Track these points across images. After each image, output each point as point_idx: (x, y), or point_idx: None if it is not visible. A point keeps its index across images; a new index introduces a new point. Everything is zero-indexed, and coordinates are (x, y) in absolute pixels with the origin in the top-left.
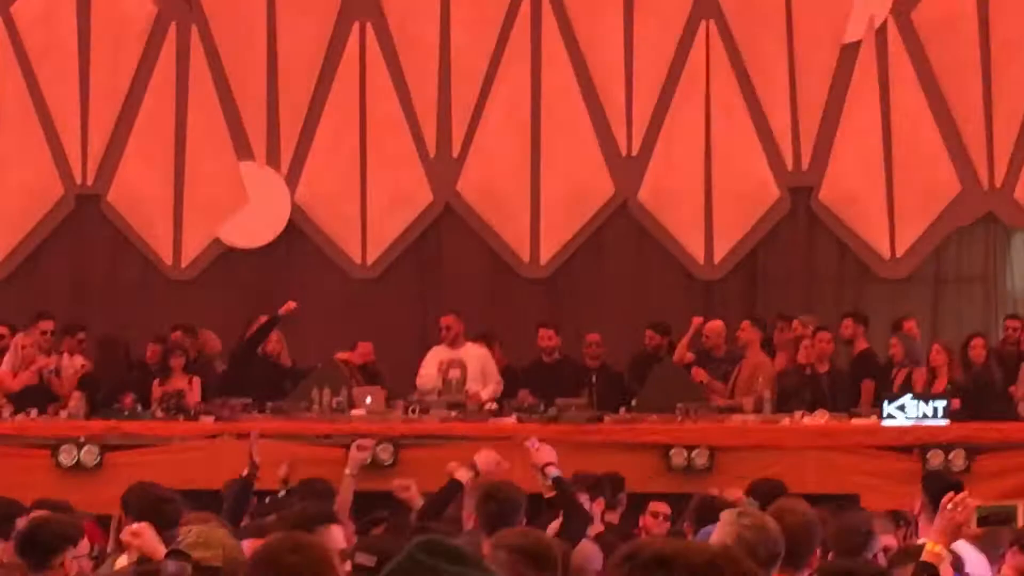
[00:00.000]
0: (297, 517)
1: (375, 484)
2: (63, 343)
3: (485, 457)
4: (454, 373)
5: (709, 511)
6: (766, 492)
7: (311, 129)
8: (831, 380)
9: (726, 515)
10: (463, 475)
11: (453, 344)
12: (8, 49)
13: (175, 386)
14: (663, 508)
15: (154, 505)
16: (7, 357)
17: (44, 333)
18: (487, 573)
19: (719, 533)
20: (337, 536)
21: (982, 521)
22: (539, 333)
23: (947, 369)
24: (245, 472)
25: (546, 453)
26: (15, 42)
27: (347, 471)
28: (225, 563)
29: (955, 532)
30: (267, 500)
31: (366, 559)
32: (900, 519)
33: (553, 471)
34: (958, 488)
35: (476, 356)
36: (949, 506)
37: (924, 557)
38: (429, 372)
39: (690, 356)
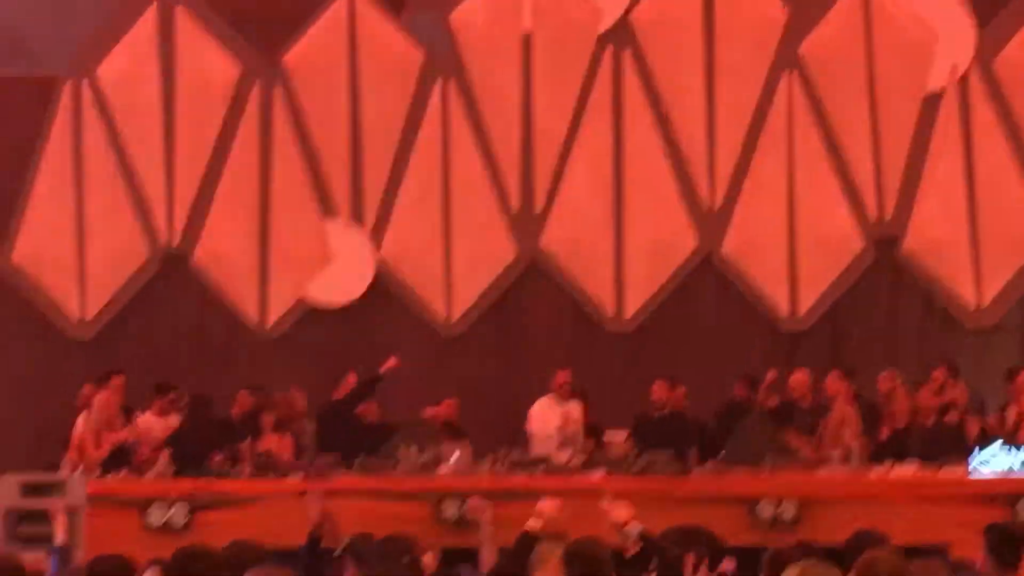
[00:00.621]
0: None
1: (464, 540)
2: (154, 403)
3: (548, 504)
4: (573, 427)
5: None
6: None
7: (395, 186)
8: (927, 432)
9: (790, 570)
10: (530, 525)
11: (566, 399)
12: (94, 110)
13: (266, 444)
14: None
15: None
16: (83, 417)
17: (117, 390)
18: None
19: None
20: None
21: None
22: (653, 387)
23: None
24: (309, 531)
25: (624, 510)
26: (100, 102)
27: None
28: None
29: None
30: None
31: None
32: None
33: (635, 526)
34: (1020, 539)
35: (578, 412)
36: None
37: None
38: (544, 425)
39: (774, 402)
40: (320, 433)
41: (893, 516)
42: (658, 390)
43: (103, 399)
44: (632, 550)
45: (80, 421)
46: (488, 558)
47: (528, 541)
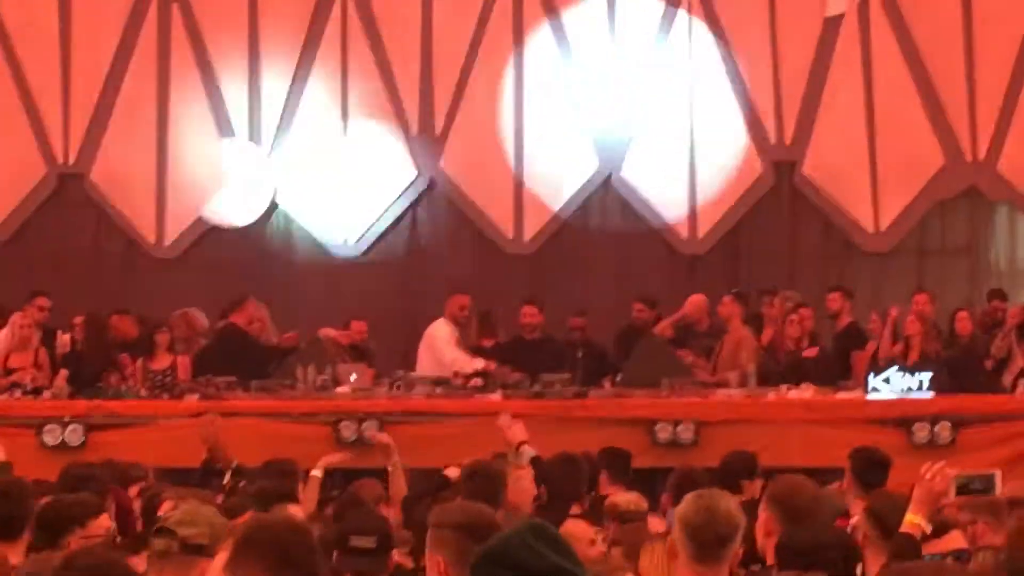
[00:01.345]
0: (258, 494)
1: (361, 462)
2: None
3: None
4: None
5: (689, 485)
6: (738, 467)
7: (292, 106)
8: (820, 355)
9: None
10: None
11: (462, 324)
12: None
13: (160, 364)
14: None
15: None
16: (2, 337)
17: (42, 310)
18: (581, 568)
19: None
20: (297, 514)
21: (961, 490)
22: (522, 310)
23: (920, 340)
24: (204, 457)
25: (520, 431)
26: None
27: (315, 471)
28: (211, 540)
29: (934, 502)
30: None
31: (365, 541)
32: None
33: (528, 450)
34: (885, 464)
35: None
36: (928, 475)
37: (904, 528)
38: (456, 353)
39: (670, 332)
40: (217, 353)
41: (790, 438)
42: (528, 314)
43: (17, 318)
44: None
45: None
46: (397, 484)
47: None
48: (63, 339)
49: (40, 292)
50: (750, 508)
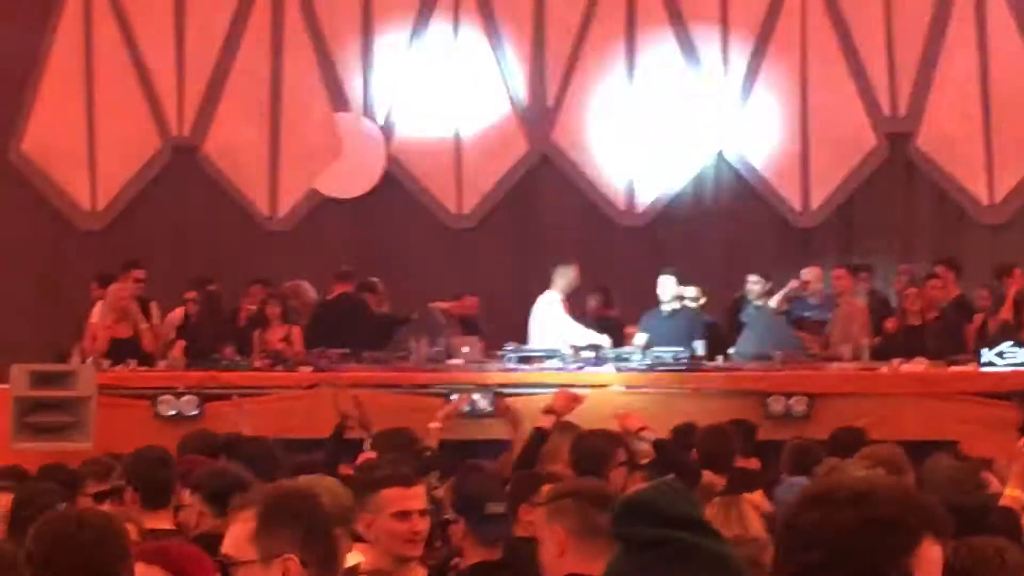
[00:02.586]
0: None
1: (474, 433)
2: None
3: (561, 399)
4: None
5: (804, 457)
6: (847, 440)
7: (405, 80)
8: (936, 327)
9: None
10: (544, 421)
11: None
12: (105, 2)
13: (274, 336)
14: None
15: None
16: (98, 307)
17: (138, 281)
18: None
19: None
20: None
21: None
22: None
23: None
24: (336, 423)
25: (636, 419)
26: None
27: (433, 424)
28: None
29: None
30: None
31: (498, 507)
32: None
33: (648, 434)
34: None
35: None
36: None
37: (1003, 502)
38: (571, 324)
39: (784, 304)
40: (330, 325)
41: (902, 412)
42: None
43: (115, 290)
44: (645, 459)
45: (94, 312)
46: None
47: (539, 437)
48: (175, 314)
49: (134, 263)
50: None
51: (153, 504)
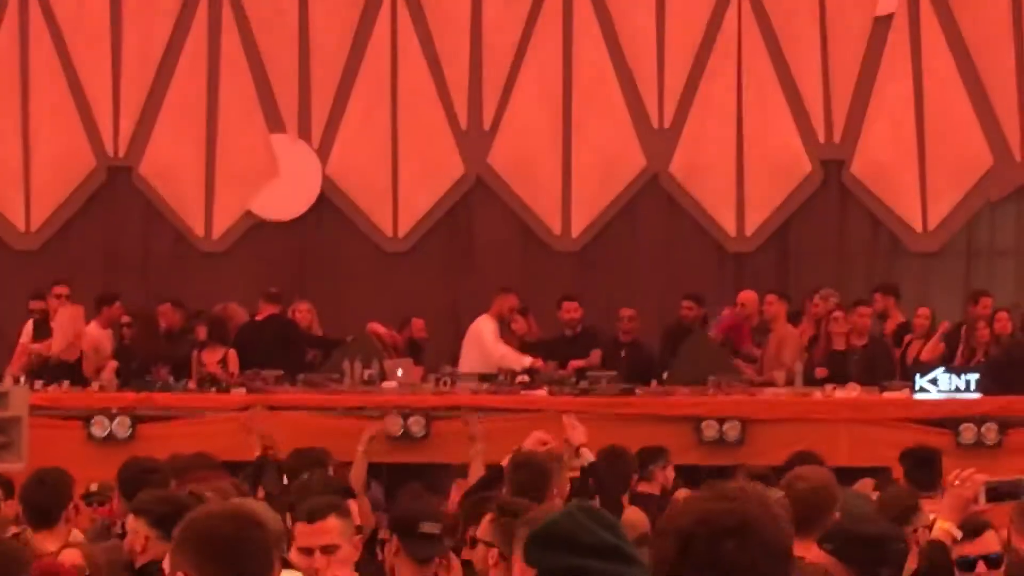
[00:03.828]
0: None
1: (407, 456)
2: (102, 313)
3: (533, 440)
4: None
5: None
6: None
7: (342, 102)
8: (865, 354)
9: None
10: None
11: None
12: (40, 20)
13: (211, 358)
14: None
15: (141, 476)
16: (29, 326)
17: (58, 297)
18: (629, 544)
19: None
20: (353, 511)
21: (991, 495)
22: (562, 306)
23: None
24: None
25: (582, 434)
26: (47, 12)
27: (360, 448)
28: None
29: (964, 508)
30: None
31: (433, 527)
32: None
33: (588, 454)
34: (934, 460)
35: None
36: (956, 482)
37: (934, 535)
38: (504, 349)
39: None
40: (263, 347)
41: (835, 438)
42: (568, 309)
43: (70, 312)
44: (574, 474)
45: (24, 331)
46: (476, 472)
47: (498, 471)
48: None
49: (59, 280)
50: None
51: (42, 524)
